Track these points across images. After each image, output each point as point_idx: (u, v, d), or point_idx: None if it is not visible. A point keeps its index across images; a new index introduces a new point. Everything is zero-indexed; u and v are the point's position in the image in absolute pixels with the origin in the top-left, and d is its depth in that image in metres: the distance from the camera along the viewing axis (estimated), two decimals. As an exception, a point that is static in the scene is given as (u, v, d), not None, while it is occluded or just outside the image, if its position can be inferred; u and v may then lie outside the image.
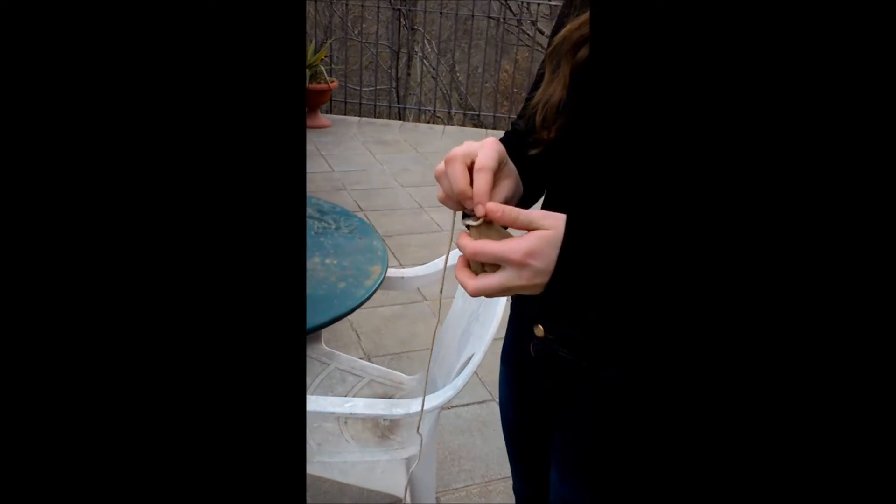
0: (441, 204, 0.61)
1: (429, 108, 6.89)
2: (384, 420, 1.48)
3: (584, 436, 0.73)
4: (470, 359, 1.25)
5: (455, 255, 0.98)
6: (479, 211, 0.57)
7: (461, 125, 5.60)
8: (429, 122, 6.00)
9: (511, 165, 0.64)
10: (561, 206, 0.70)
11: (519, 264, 0.55)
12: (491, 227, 0.58)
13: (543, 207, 0.75)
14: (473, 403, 2.18)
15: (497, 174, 0.60)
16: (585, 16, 0.65)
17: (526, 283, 0.56)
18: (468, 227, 0.58)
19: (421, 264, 1.71)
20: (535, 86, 0.72)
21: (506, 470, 2.02)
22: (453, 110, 6.83)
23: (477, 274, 0.58)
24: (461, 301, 1.54)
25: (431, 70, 8.93)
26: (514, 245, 0.55)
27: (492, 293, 0.57)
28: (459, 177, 0.58)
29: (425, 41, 9.23)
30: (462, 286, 0.58)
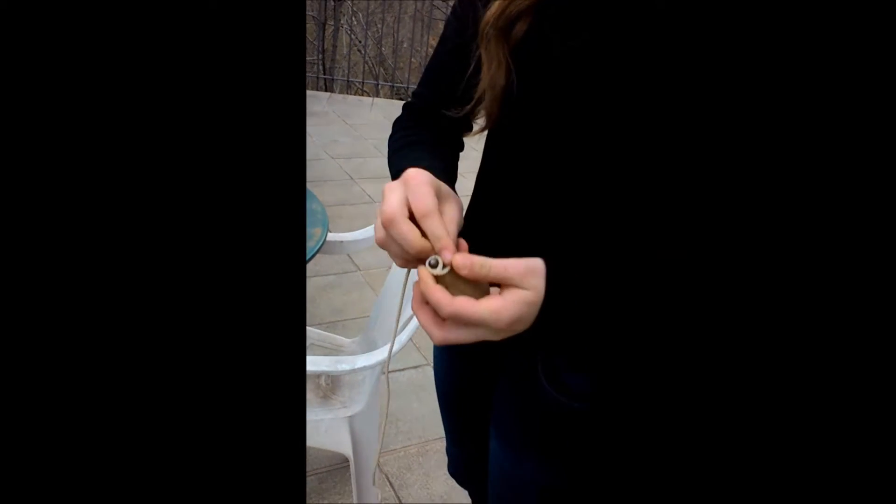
0: (383, 252, 0.57)
1: (356, 80, 6.81)
2: (326, 381, 1.51)
3: (530, 408, 0.72)
4: (411, 318, 1.30)
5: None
6: (447, 258, 0.52)
7: (388, 98, 5.57)
8: (357, 94, 5.95)
9: (444, 187, 0.58)
10: (500, 180, 0.70)
11: (502, 331, 0.52)
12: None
13: (478, 177, 0.74)
14: (409, 368, 2.23)
15: (440, 205, 0.55)
16: None
17: (501, 338, 0.54)
18: (435, 275, 0.53)
19: (356, 233, 1.72)
20: (476, 71, 0.65)
21: (441, 430, 2.08)
22: (380, 83, 6.78)
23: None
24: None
25: (358, 43, 8.82)
26: (498, 313, 0.51)
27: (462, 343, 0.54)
28: (411, 237, 0.53)
29: (352, 14, 9.09)
30: (426, 331, 0.54)
